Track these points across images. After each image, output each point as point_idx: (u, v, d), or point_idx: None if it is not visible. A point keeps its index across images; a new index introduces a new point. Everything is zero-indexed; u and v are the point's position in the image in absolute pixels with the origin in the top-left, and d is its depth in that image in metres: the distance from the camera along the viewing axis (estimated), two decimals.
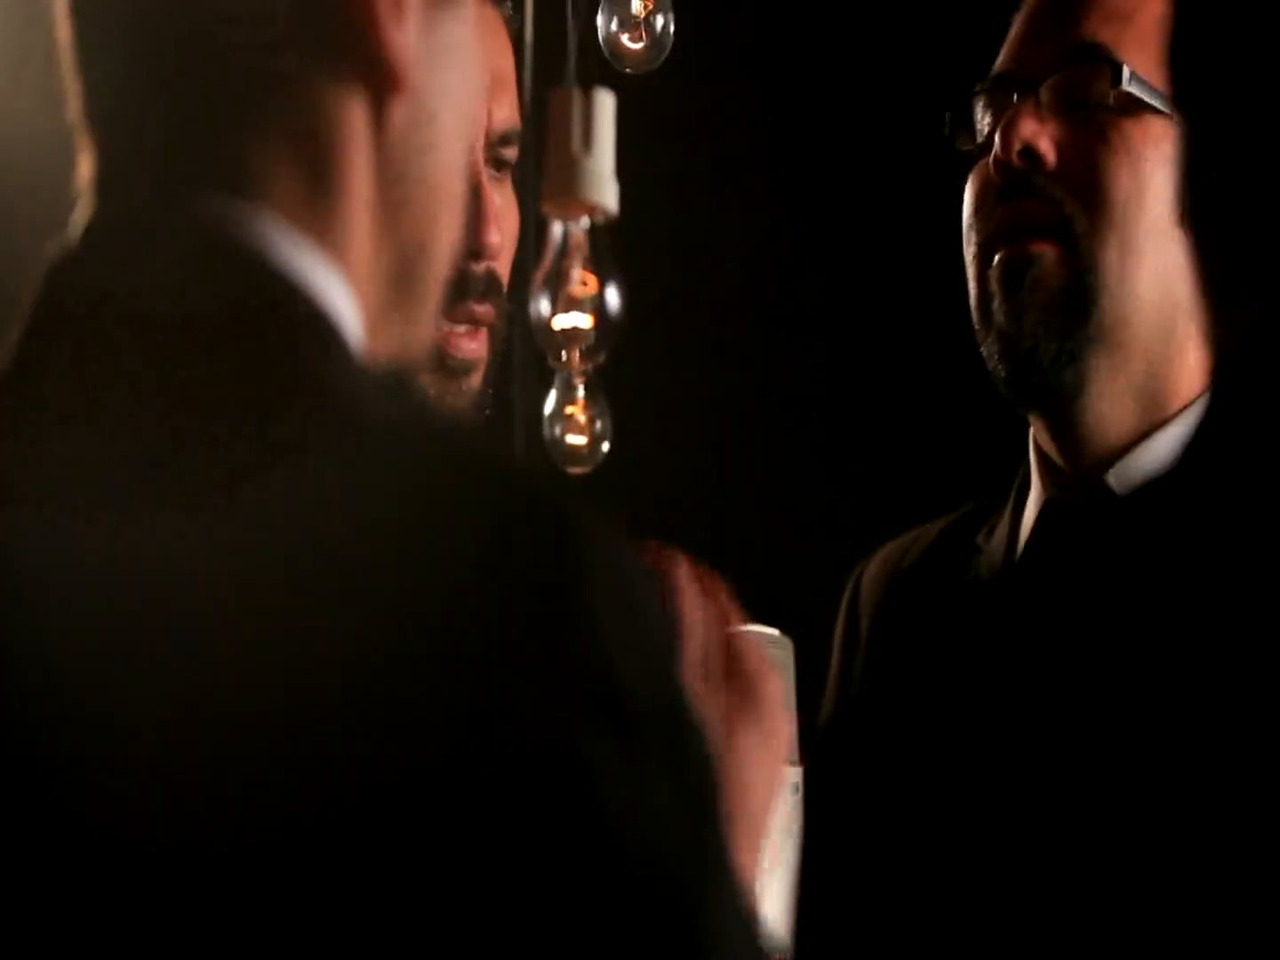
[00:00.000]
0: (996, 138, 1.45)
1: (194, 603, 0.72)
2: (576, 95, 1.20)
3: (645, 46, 1.66)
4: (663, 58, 1.65)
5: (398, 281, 0.88)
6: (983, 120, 1.52)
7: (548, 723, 0.70)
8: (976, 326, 1.49)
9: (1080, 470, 1.49)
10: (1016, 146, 1.44)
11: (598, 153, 1.22)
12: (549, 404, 2.11)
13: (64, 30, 0.86)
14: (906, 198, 1.61)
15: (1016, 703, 1.44)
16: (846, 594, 1.66)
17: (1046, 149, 1.44)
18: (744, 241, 2.91)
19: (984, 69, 1.55)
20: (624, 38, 1.66)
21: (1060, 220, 1.44)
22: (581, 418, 2.08)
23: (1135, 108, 1.45)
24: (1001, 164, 1.45)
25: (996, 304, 1.45)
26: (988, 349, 1.47)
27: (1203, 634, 1.36)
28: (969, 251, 1.49)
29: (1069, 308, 1.43)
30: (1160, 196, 1.44)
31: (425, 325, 0.90)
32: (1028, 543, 1.50)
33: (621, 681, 0.72)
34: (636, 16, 1.66)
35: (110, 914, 0.69)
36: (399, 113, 0.85)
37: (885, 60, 2.73)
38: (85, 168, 0.85)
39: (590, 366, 1.92)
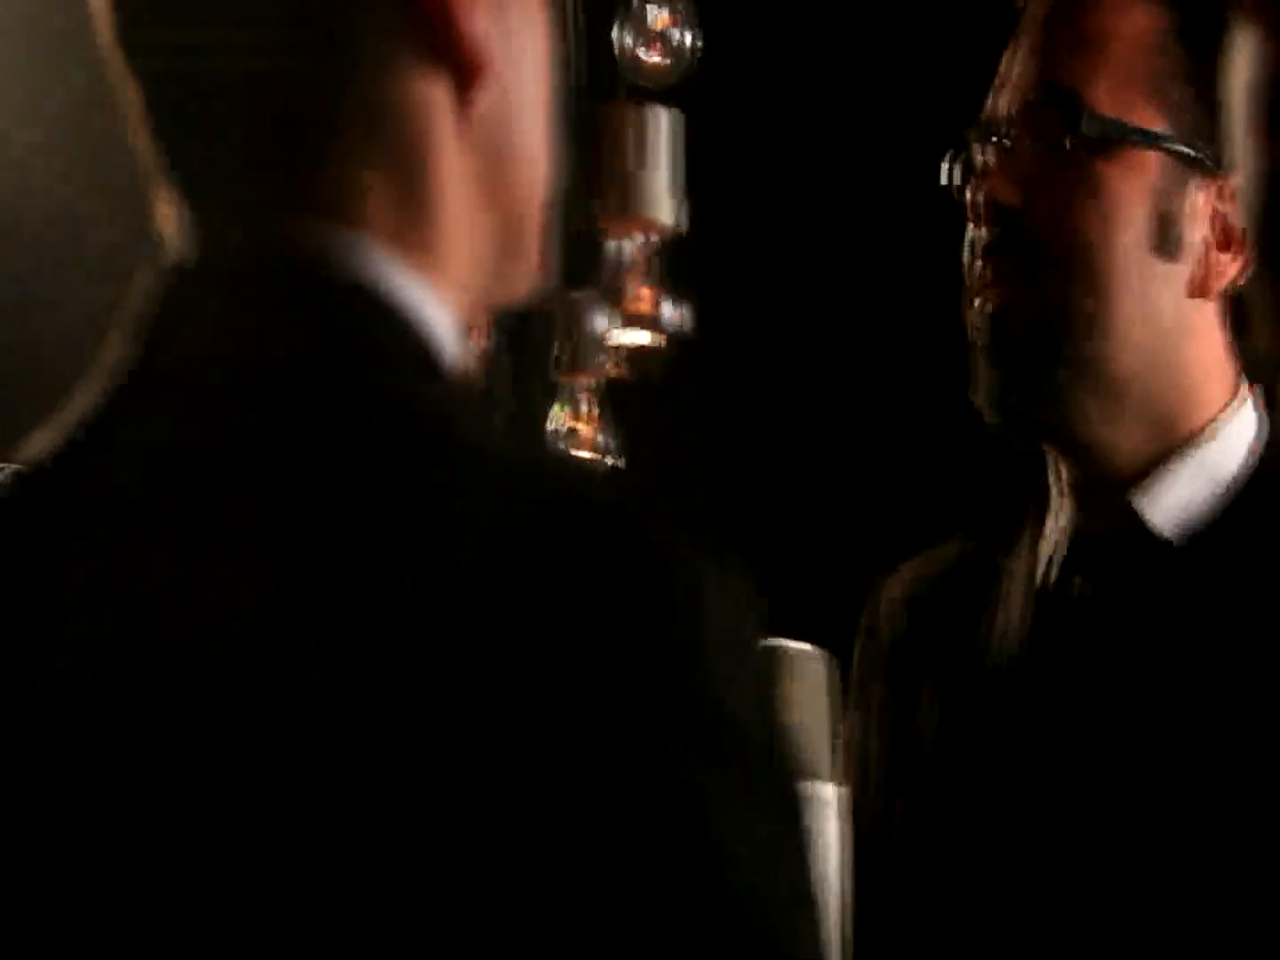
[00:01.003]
0: (967, 197, 1.46)
1: (303, 638, 0.72)
2: (630, 111, 1.20)
3: (664, 61, 1.65)
4: (682, 71, 1.64)
5: (498, 261, 0.87)
6: (963, 170, 1.52)
7: (657, 752, 0.70)
8: (971, 375, 1.50)
9: (1101, 487, 1.49)
10: (986, 206, 1.44)
11: (654, 169, 1.21)
12: (553, 420, 2.10)
13: (117, 61, 0.84)
14: (935, 211, 1.61)
15: (1054, 740, 1.44)
16: (865, 614, 1.65)
17: (1014, 199, 1.44)
18: (762, 256, 2.90)
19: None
20: (641, 52, 1.65)
21: (1029, 265, 1.45)
22: (588, 433, 2.07)
23: (1105, 141, 1.45)
24: (976, 219, 1.46)
25: (980, 354, 1.47)
26: (977, 399, 1.48)
27: (1238, 679, 1.37)
28: (964, 301, 1.51)
29: (1041, 350, 1.44)
30: (1136, 229, 1.44)
31: (530, 274, 0.88)
32: (1060, 569, 1.50)
33: (728, 715, 0.73)
34: (654, 31, 1.65)
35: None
36: (482, 102, 0.84)
37: (914, 67, 2.73)
38: (164, 208, 0.83)
39: (596, 380, 1.92)
